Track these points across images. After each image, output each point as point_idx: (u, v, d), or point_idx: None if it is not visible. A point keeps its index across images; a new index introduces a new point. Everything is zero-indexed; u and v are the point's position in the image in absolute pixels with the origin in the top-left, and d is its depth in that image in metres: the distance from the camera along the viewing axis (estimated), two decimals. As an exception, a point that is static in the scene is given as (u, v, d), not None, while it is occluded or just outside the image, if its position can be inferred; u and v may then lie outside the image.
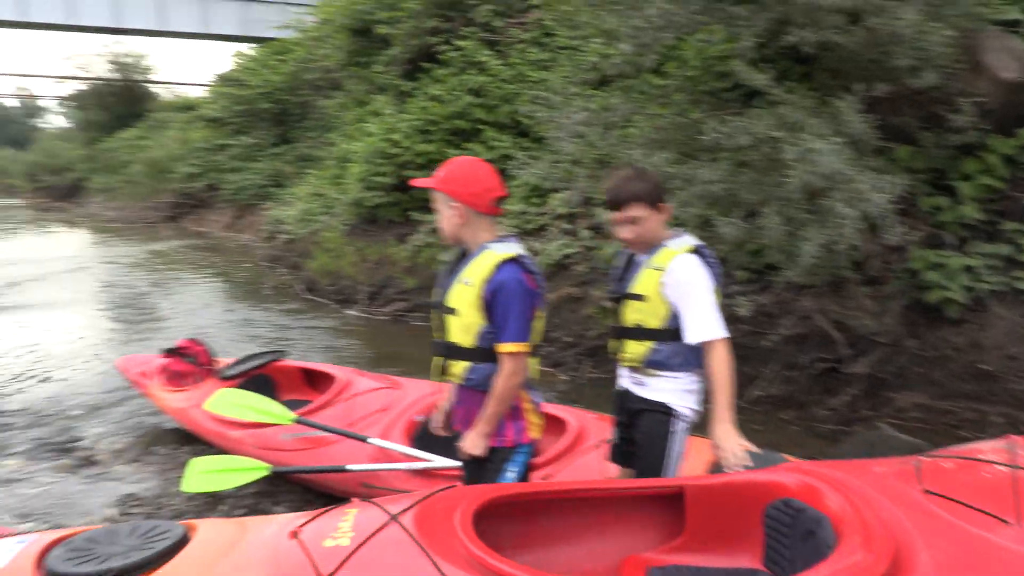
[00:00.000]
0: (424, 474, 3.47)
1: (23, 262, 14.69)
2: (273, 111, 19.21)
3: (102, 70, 32.87)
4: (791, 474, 2.14)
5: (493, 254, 2.34)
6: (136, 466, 4.52)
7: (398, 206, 9.68)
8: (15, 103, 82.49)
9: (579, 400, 5.01)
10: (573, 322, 6.58)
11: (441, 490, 2.20)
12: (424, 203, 9.35)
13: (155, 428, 5.09)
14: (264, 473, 3.44)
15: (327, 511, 2.18)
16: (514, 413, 2.41)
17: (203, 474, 3.40)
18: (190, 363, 4.83)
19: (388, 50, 11.07)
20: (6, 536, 2.39)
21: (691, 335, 2.40)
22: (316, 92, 17.28)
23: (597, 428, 3.55)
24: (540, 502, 2.25)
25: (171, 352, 4.96)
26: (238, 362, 4.88)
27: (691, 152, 5.15)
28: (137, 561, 1.99)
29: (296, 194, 13.87)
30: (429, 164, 9.27)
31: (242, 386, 4.54)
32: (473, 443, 2.41)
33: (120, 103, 32.55)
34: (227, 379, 4.66)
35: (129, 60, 33.03)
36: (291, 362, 5.04)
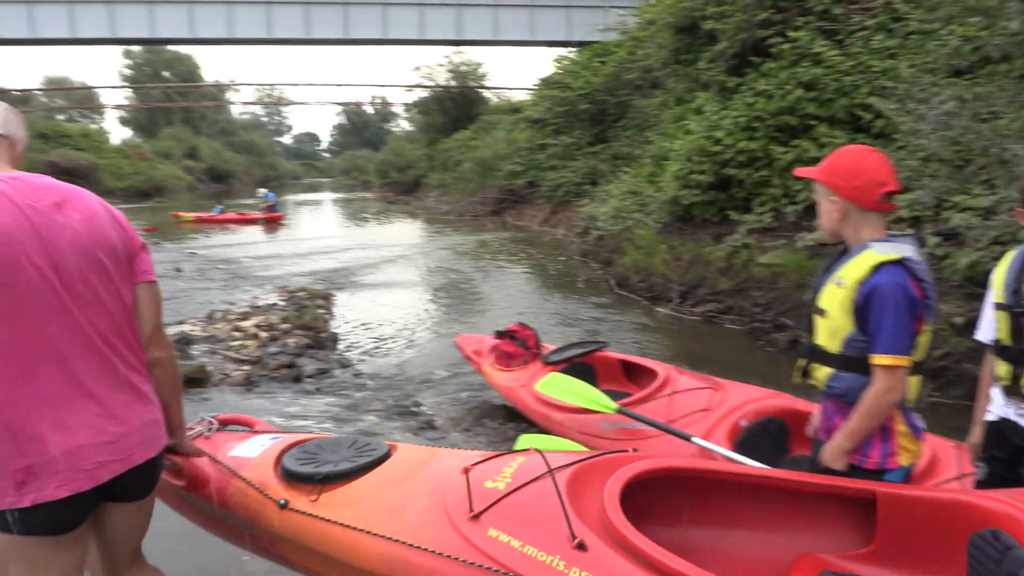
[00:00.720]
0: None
1: (375, 247, 16.98)
2: (591, 111, 19.90)
3: (443, 78, 36.79)
4: (1008, 503, 1.83)
5: (872, 254, 2.11)
6: (468, 435, 4.95)
7: (715, 205, 9.46)
8: (372, 110, 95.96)
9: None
10: (914, 338, 5.88)
11: (612, 452, 2.25)
12: (743, 203, 9.04)
13: (485, 403, 5.53)
14: (586, 457, 3.55)
15: (502, 454, 2.33)
16: (884, 433, 2.16)
17: (531, 450, 3.60)
18: (519, 346, 5.17)
19: (714, 46, 10.85)
20: (266, 432, 2.90)
21: None
22: (634, 92, 17.57)
23: (955, 458, 3.12)
24: (725, 483, 2.18)
25: (503, 334, 5.35)
26: (563, 348, 5.09)
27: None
28: (342, 470, 2.38)
29: (610, 192, 14.23)
30: (751, 162, 8.93)
31: (564, 372, 4.75)
32: (832, 455, 2.19)
33: (456, 107, 36.17)
34: (551, 364, 4.88)
35: (466, 68, 36.51)
36: (612, 353, 5.13)
